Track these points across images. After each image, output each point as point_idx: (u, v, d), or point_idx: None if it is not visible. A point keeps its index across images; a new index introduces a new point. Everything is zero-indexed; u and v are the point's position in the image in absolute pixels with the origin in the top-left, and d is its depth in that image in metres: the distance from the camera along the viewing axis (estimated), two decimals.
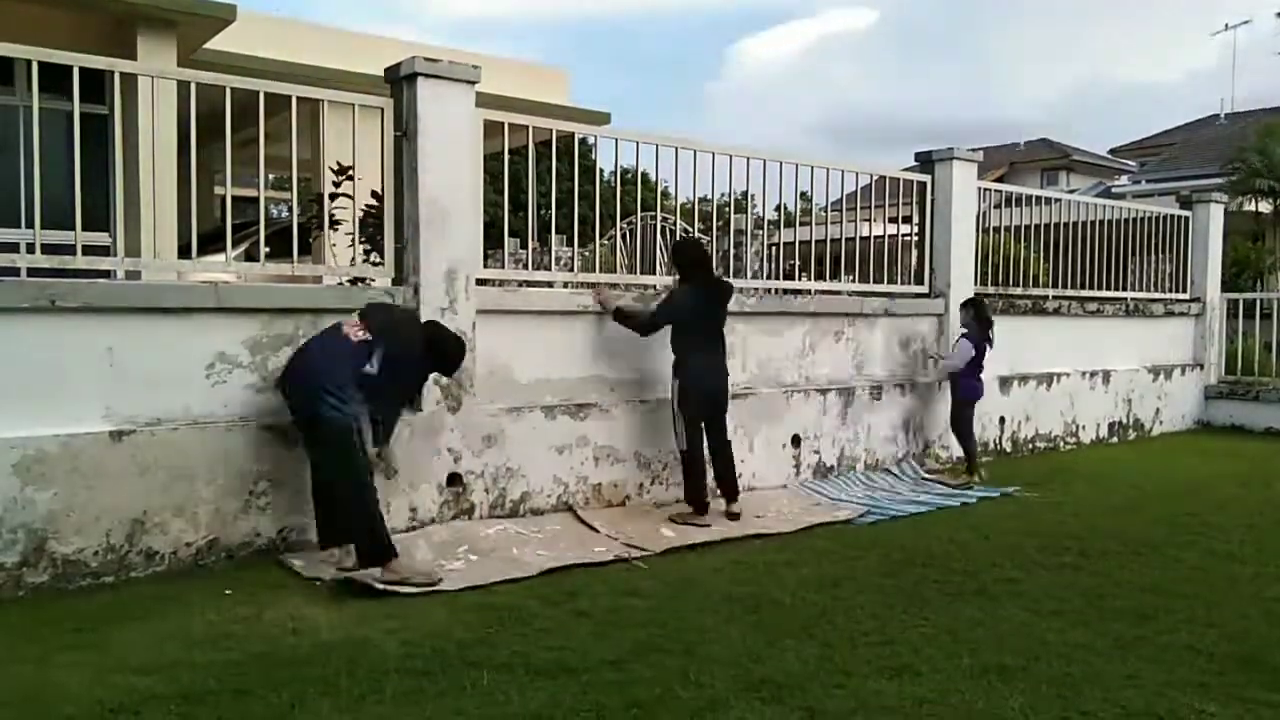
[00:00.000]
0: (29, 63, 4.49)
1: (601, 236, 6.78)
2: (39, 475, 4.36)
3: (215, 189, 12.30)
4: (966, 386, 7.53)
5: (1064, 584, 4.71)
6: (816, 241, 8.11)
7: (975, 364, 7.47)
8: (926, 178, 8.21)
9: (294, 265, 5.57)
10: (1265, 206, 19.14)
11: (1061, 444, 9.15)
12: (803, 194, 7.94)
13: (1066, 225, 9.44)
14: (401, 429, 5.11)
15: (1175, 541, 5.60)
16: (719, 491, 6.12)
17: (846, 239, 7.74)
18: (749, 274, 8.19)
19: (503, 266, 7.03)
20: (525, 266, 6.72)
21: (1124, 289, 10.06)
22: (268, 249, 5.40)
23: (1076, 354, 9.38)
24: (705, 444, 6.03)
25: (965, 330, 7.57)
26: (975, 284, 8.40)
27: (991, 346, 7.51)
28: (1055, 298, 9.24)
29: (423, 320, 5.14)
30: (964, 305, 7.69)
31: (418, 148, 5.38)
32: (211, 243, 6.69)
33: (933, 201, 8.20)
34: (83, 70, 4.64)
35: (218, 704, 3.18)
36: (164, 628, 3.90)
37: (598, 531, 5.57)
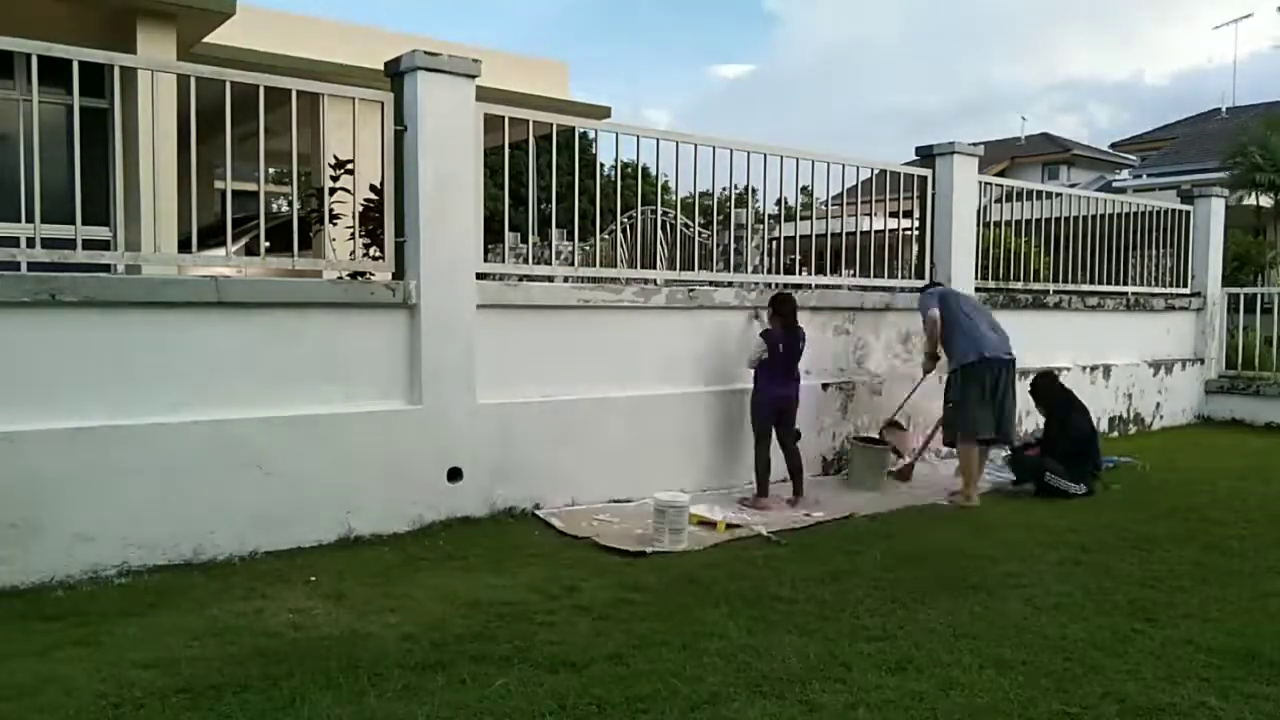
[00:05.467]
0: (29, 56, 4.49)
1: (602, 231, 6.77)
2: (40, 469, 4.37)
3: (215, 183, 12.32)
4: None
5: (1063, 578, 4.72)
6: (817, 236, 8.10)
7: None
8: (927, 172, 8.20)
9: (294, 259, 5.57)
10: (1266, 201, 19.13)
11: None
12: (803, 188, 7.94)
13: (1067, 220, 9.43)
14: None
15: (1175, 536, 5.60)
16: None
17: (847, 233, 7.73)
18: (749, 268, 8.19)
19: (503, 261, 7.02)
20: (525, 261, 6.71)
21: (1125, 283, 10.05)
22: (268, 243, 5.39)
23: (1077, 348, 9.38)
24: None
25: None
26: (976, 278, 8.40)
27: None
28: (1056, 292, 9.23)
29: None
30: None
31: (418, 142, 5.37)
32: (211, 237, 6.68)
33: (934, 196, 8.19)
34: (82, 64, 4.63)
35: (219, 698, 3.19)
36: (165, 622, 3.91)
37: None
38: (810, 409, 7.09)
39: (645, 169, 24.23)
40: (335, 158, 5.60)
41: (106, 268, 5.01)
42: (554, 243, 8.57)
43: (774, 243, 8.82)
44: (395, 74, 5.48)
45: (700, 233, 7.51)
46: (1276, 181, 18.65)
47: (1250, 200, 18.77)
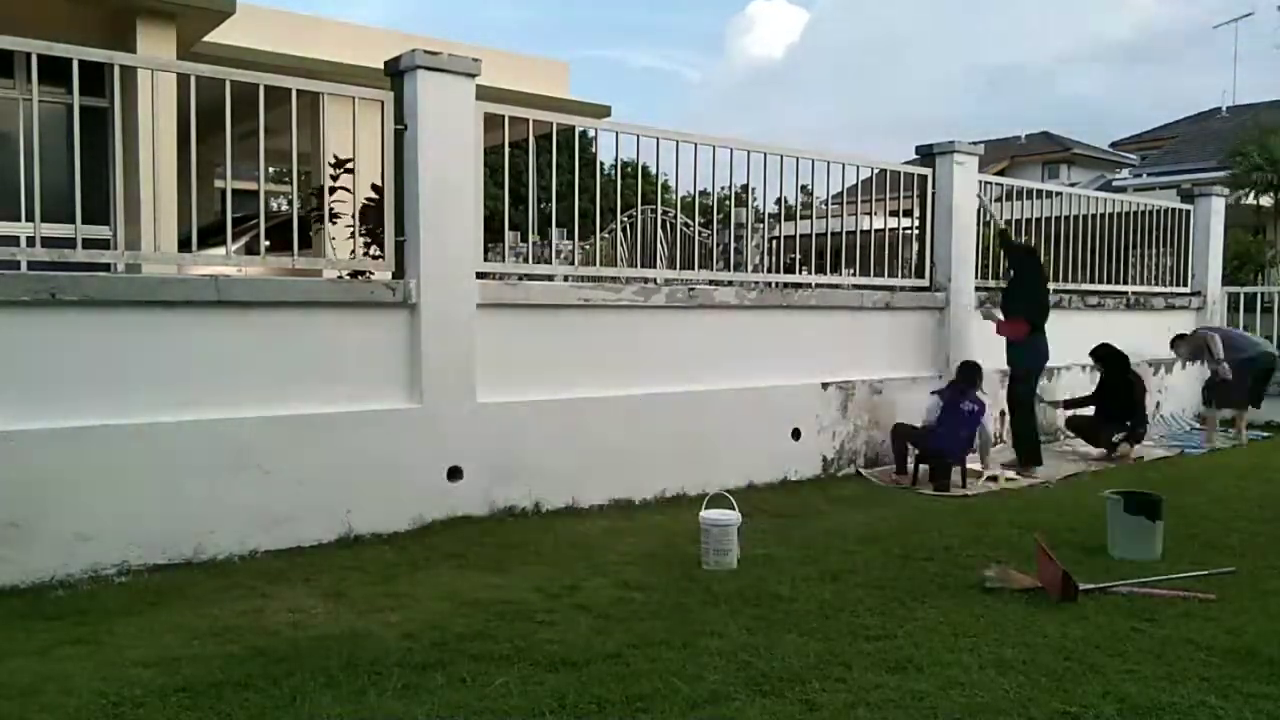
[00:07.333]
0: (29, 55, 4.49)
1: (602, 230, 6.77)
2: (40, 468, 4.37)
3: (215, 182, 12.32)
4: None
5: None
6: (817, 235, 8.10)
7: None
8: (927, 171, 8.21)
9: (294, 259, 5.57)
10: (1266, 200, 19.11)
11: (1062, 436, 9.15)
12: (803, 187, 7.95)
13: (1067, 219, 9.44)
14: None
15: (1175, 535, 5.59)
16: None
17: (847, 232, 7.73)
18: (749, 267, 8.19)
19: (503, 260, 7.03)
20: (525, 260, 6.72)
21: (1125, 282, 10.05)
22: (268, 242, 5.39)
23: (1077, 347, 9.36)
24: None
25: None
26: (976, 278, 8.40)
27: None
28: (1056, 291, 9.21)
29: None
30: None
31: (418, 141, 5.38)
32: (211, 236, 6.68)
33: (934, 195, 8.20)
34: (82, 63, 4.63)
35: (219, 697, 3.18)
36: (165, 621, 3.91)
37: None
38: (811, 407, 7.10)
39: (645, 168, 24.24)
40: (335, 157, 5.60)
41: (106, 267, 5.01)
42: (554, 242, 8.58)
43: (774, 242, 8.83)
44: (395, 73, 5.48)
45: (700, 232, 7.52)
46: (1275, 180, 18.62)
47: (1250, 199, 18.75)
